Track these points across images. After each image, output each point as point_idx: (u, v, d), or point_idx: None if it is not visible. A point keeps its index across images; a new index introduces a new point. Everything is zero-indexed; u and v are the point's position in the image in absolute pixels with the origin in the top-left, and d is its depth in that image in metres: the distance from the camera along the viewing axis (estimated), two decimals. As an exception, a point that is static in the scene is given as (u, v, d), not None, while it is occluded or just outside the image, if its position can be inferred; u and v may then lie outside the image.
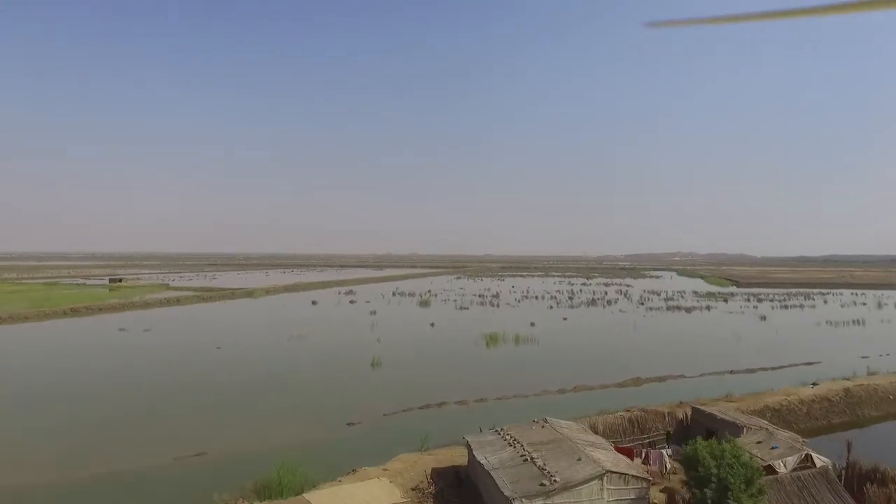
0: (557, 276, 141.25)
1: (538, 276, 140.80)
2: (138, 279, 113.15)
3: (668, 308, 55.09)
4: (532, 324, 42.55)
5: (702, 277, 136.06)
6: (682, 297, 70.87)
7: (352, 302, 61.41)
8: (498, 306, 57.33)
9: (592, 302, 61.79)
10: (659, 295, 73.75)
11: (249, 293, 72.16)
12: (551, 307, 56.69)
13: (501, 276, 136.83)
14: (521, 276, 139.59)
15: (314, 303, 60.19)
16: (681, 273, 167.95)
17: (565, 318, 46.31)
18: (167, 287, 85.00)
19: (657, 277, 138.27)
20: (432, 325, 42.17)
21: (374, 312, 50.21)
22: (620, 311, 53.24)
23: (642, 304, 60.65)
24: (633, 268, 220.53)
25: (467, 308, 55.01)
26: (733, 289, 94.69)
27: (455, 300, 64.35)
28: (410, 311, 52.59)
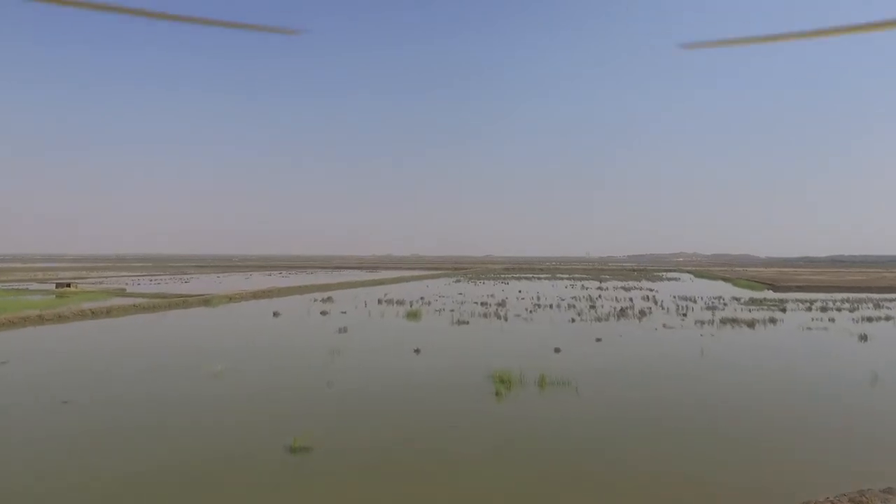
0: (565, 278, 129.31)
1: (544, 278, 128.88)
2: (101, 282, 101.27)
3: (723, 322, 43.33)
4: (557, 349, 30.68)
5: (725, 280, 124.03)
6: (725, 304, 58.94)
7: (323, 313, 49.62)
8: (505, 319, 45.56)
9: (621, 312, 50.00)
10: (695, 302, 61.84)
11: (206, 301, 60.35)
12: (573, 320, 44.86)
13: (505, 278, 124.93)
14: (526, 278, 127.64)
15: (276, 314, 48.37)
16: (697, 275, 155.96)
17: (599, 340, 34.41)
18: (122, 292, 73.17)
19: (675, 280, 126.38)
20: (417, 351, 30.25)
21: (343, 330, 38.39)
22: (665, 325, 41.41)
23: (684, 314, 48.82)
24: (643, 269, 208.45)
25: (466, 322, 43.21)
26: (770, 293, 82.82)
27: (452, 310, 52.46)
28: (393, 327, 40.76)
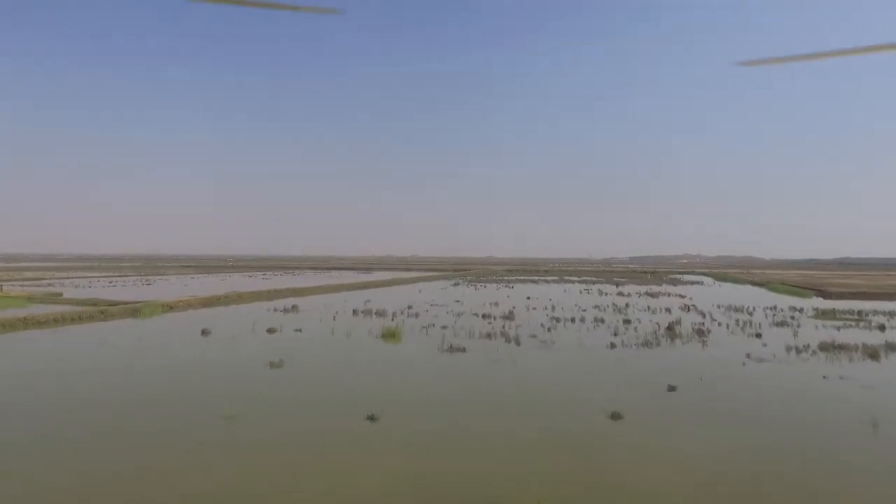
0: (575, 281, 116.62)
1: (552, 281, 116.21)
2: (51, 285, 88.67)
3: (824, 348, 30.74)
4: (615, 416, 18.17)
5: (754, 284, 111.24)
6: (793, 318, 46.30)
7: (271, 331, 37.14)
8: (517, 342, 32.95)
9: (670, 331, 37.48)
10: (750, 314, 49.18)
11: (134, 311, 47.87)
12: (612, 345, 32.24)
13: (508, 281, 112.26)
14: (531, 281, 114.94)
15: (204, 333, 35.88)
16: (717, 278, 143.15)
17: (673, 388, 21.72)
18: (53, 298, 60.70)
19: (697, 283, 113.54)
20: (372, 419, 18.02)
21: (278, 364, 25.77)
22: (750, 356, 28.70)
23: (758, 335, 36.21)
24: (653, 271, 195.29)
25: (462, 349, 30.44)
26: (822, 301, 70.14)
27: (444, 325, 39.92)
28: (354, 358, 28.21)
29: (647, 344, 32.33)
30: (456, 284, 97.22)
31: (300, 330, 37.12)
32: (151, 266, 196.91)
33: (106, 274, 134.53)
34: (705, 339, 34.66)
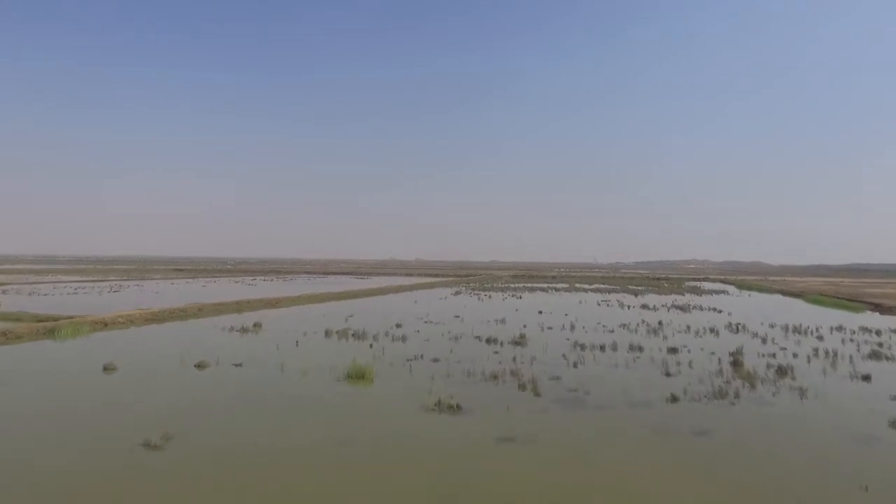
0: (588, 289, 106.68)
1: (562, 289, 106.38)
2: (5, 291, 79.83)
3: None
4: None
5: (784, 293, 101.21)
6: (881, 346, 36.57)
7: (200, 367, 27.72)
8: (535, 390, 23.29)
9: (736, 368, 27.91)
10: (820, 339, 39.45)
11: (50, 331, 38.71)
12: (674, 399, 22.61)
13: (515, 289, 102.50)
14: (540, 289, 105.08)
15: (108, 369, 26.65)
16: (740, 286, 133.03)
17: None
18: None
19: (723, 293, 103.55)
20: None
21: (159, 444, 16.27)
22: (894, 426, 19.00)
23: (863, 377, 26.42)
24: (665, 277, 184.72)
25: (456, 407, 20.55)
26: (878, 317, 60.28)
27: (436, 358, 30.43)
28: (288, 434, 18.53)
29: (719, 394, 22.71)
30: (457, 293, 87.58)
31: (241, 364, 27.65)
32: (140, 269, 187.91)
33: (85, 278, 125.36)
34: (795, 383, 24.99)
